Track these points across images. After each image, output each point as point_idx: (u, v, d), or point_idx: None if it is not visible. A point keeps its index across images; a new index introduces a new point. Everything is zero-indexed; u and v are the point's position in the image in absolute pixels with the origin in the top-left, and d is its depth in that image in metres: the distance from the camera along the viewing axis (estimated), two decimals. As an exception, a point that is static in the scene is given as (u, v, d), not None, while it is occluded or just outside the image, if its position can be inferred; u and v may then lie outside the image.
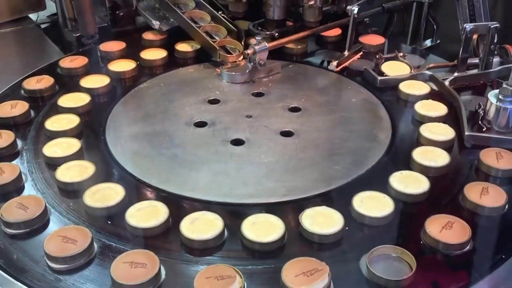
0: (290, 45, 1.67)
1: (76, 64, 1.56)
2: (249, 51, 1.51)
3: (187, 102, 1.44)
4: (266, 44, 1.53)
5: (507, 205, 1.07)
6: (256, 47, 1.51)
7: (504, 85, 1.23)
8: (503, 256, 0.98)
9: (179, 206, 1.10)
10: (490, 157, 1.19)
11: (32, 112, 1.38)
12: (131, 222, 1.01)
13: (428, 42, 1.82)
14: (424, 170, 1.16)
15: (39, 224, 1.03)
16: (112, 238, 1.01)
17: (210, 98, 1.46)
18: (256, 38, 1.54)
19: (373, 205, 1.06)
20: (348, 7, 1.60)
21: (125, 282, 0.89)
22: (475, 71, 1.50)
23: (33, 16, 1.94)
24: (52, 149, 1.22)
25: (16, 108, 1.36)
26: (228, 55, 1.58)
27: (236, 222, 1.02)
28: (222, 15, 1.72)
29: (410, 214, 1.08)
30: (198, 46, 1.66)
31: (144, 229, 1.01)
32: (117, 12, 1.81)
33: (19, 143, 1.27)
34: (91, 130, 1.33)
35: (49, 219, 1.06)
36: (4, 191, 1.12)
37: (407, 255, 0.95)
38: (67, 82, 1.52)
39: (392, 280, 0.91)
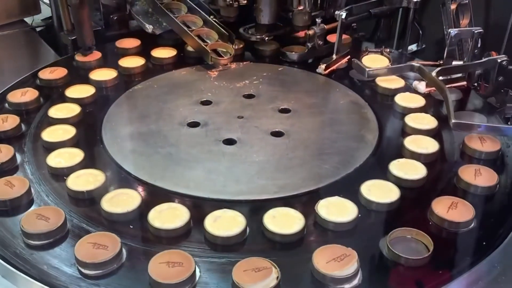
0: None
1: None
2: (310, 32, 1.64)
3: (181, 103, 1.48)
4: (325, 26, 1.66)
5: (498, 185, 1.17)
6: (316, 29, 1.63)
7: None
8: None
9: (176, 201, 1.13)
10: (475, 142, 1.28)
11: (23, 125, 1.38)
12: (155, 224, 1.05)
13: (413, 47, 1.87)
14: (416, 157, 1.25)
15: (62, 233, 1.05)
16: (137, 241, 1.04)
17: (203, 100, 1.49)
18: (317, 19, 1.64)
19: (379, 192, 1.13)
20: (336, 12, 1.64)
21: (167, 281, 0.92)
22: (461, 62, 1.54)
23: (28, 19, 1.98)
24: (55, 160, 1.23)
25: (8, 121, 1.36)
26: (220, 58, 1.63)
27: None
28: (214, 19, 1.76)
29: (412, 198, 1.16)
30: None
31: (168, 230, 1.04)
32: (111, 16, 1.84)
33: (18, 156, 1.27)
34: (88, 137, 1.35)
35: (68, 228, 1.08)
36: (16, 204, 1.12)
37: (423, 236, 1.02)
38: (53, 93, 1.54)
39: (415, 259, 0.98)
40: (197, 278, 0.96)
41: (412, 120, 1.37)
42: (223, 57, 1.65)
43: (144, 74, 1.63)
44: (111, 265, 0.97)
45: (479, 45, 1.51)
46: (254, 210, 1.11)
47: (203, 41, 1.69)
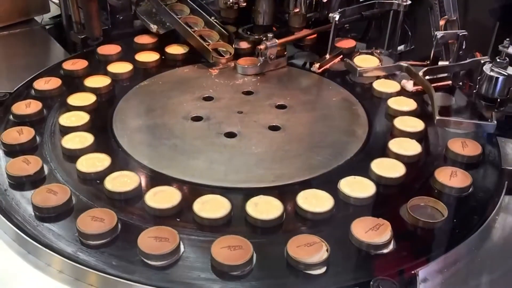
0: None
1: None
2: (261, 47, 1.66)
3: (184, 99, 1.56)
4: (276, 40, 1.68)
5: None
6: (268, 43, 1.66)
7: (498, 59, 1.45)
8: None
9: (183, 188, 1.22)
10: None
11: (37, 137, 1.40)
12: (201, 214, 1.12)
13: (403, 48, 1.92)
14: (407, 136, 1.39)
15: (116, 232, 1.09)
16: (187, 231, 1.11)
17: (205, 96, 1.57)
18: (268, 35, 1.68)
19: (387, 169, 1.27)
20: (330, 15, 1.71)
21: (232, 263, 1.01)
22: (447, 62, 1.62)
23: (38, 18, 2.05)
24: (83, 163, 1.26)
25: (24, 134, 1.36)
26: (220, 57, 1.71)
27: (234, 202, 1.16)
28: (215, 20, 1.83)
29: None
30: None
31: (211, 219, 1.12)
32: (117, 16, 1.91)
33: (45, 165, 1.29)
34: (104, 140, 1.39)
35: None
36: (60, 210, 1.14)
37: (436, 203, 1.16)
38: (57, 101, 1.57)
39: (433, 222, 1.12)
40: (254, 257, 1.04)
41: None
42: (223, 56, 1.72)
43: (162, 67, 1.73)
44: (175, 254, 1.04)
45: (463, 47, 1.58)
46: (252, 196, 1.17)
47: (205, 41, 1.76)
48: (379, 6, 1.87)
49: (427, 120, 1.45)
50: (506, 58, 1.44)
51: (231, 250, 1.03)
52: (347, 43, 1.86)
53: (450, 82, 1.63)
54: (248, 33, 1.85)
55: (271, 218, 1.12)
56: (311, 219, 1.14)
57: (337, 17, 1.70)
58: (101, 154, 1.30)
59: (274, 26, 1.87)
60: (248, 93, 1.61)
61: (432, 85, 1.54)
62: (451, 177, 1.23)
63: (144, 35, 1.85)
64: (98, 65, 1.72)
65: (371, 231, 1.07)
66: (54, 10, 2.06)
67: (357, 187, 1.20)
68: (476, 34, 1.66)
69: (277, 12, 1.83)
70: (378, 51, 1.76)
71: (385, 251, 1.06)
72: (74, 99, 1.51)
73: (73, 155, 1.31)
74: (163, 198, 1.16)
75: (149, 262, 1.03)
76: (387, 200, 1.21)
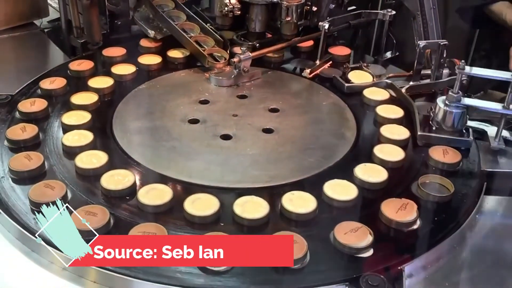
0: (269, 54, 1.86)
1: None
2: (235, 59, 1.69)
3: (181, 102, 1.61)
4: (250, 53, 1.73)
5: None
6: (241, 56, 1.70)
7: (450, 93, 1.46)
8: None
9: (181, 188, 1.28)
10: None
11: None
12: (245, 216, 1.17)
13: (388, 54, 2.01)
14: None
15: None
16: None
17: (201, 99, 1.62)
18: (241, 48, 1.73)
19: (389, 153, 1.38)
20: (320, 23, 1.79)
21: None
22: (427, 81, 1.69)
23: (37, 21, 2.08)
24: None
25: (33, 159, 1.32)
26: (216, 62, 1.76)
27: (229, 202, 1.20)
28: (210, 27, 1.89)
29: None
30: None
31: (252, 220, 1.17)
32: (115, 21, 1.95)
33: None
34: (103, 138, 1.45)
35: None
36: (101, 232, 1.09)
37: (443, 180, 1.29)
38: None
39: (441, 196, 1.25)
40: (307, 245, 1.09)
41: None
42: (218, 61, 1.78)
43: (160, 71, 1.78)
44: None
45: (444, 55, 1.66)
46: (252, 196, 1.22)
47: (201, 46, 1.82)
48: (366, 16, 1.95)
49: (403, 107, 1.59)
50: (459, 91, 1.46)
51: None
52: (342, 51, 1.93)
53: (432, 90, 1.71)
54: (242, 39, 1.92)
55: (309, 211, 1.19)
56: (338, 207, 1.23)
57: (326, 25, 1.78)
58: (122, 170, 1.30)
59: (268, 33, 1.94)
60: (243, 97, 1.67)
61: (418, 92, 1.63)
62: (444, 155, 1.37)
63: (112, 47, 1.86)
64: (76, 81, 1.71)
65: (400, 211, 1.17)
66: (52, 14, 2.11)
67: (371, 173, 1.31)
68: (456, 41, 1.74)
69: (269, 20, 1.89)
70: (365, 64, 1.82)
71: (415, 227, 1.17)
72: (69, 117, 1.49)
73: (90, 175, 1.31)
74: (202, 205, 1.19)
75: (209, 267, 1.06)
76: (396, 182, 1.32)
